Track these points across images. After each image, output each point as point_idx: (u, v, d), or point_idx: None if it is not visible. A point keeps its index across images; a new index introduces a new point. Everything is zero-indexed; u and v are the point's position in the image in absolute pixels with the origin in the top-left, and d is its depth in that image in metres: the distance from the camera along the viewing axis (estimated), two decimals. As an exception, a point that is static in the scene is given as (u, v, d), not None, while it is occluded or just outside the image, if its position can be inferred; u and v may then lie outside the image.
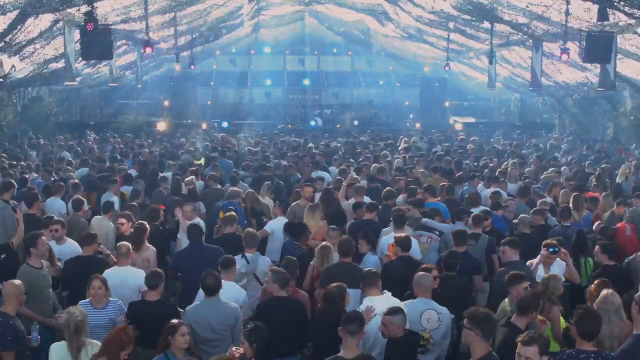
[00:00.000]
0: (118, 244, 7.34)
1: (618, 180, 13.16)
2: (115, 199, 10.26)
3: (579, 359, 4.71)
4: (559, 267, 6.99)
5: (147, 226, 8.09)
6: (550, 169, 13.38)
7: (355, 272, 6.69)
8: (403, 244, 7.32)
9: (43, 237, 6.99)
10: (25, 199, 9.55)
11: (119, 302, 6.30)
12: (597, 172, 13.20)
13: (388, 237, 8.05)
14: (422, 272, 6.17)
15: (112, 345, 4.97)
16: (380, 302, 5.81)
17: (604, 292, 5.65)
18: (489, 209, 9.42)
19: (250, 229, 8.06)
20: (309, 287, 7.30)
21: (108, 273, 7.02)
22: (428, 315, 5.82)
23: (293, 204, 9.97)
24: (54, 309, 6.84)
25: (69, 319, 5.31)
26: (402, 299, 6.22)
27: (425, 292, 5.98)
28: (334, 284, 6.01)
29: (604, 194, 10.78)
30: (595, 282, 6.16)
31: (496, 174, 12.61)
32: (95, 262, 7.32)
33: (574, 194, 10.09)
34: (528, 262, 7.17)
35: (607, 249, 7.23)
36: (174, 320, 5.35)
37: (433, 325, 5.79)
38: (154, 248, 7.97)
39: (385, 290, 6.13)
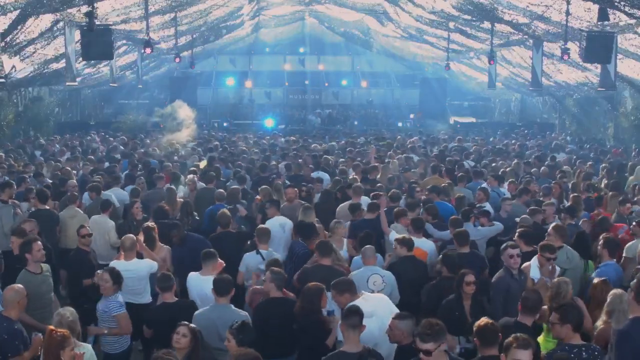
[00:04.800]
0: (122, 238, 7.33)
1: (632, 181, 13.09)
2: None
3: (572, 353, 4.77)
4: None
5: (154, 226, 8.03)
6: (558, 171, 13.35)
7: (333, 276, 6.48)
8: (407, 244, 7.35)
9: (38, 242, 6.81)
10: (37, 196, 9.65)
11: (119, 302, 6.26)
12: (602, 172, 13.19)
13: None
14: (368, 246, 7.05)
15: (48, 349, 4.85)
16: (361, 305, 5.56)
17: (618, 292, 5.58)
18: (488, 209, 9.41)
19: (263, 225, 8.03)
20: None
21: (116, 265, 7.01)
22: (373, 279, 6.68)
23: (281, 206, 9.97)
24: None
25: (60, 320, 5.30)
26: (412, 299, 6.41)
27: (370, 260, 6.89)
28: (312, 283, 5.96)
29: (610, 193, 10.75)
30: (596, 280, 6.15)
31: (500, 173, 12.62)
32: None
33: (573, 194, 10.06)
34: (524, 265, 7.15)
35: (524, 236, 7.45)
36: (182, 322, 5.30)
37: (379, 287, 6.63)
38: (168, 247, 7.97)
39: (363, 291, 6.03)
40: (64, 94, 26.35)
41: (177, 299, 6.31)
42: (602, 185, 12.05)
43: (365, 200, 9.75)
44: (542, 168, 13.46)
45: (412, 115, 31.34)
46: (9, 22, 13.99)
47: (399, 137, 21.70)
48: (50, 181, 12.05)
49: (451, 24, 21.00)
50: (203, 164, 14.64)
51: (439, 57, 28.10)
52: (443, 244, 8.38)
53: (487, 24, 19.05)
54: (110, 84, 23.86)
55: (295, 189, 10.15)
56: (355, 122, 29.86)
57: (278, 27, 31.58)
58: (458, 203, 10.10)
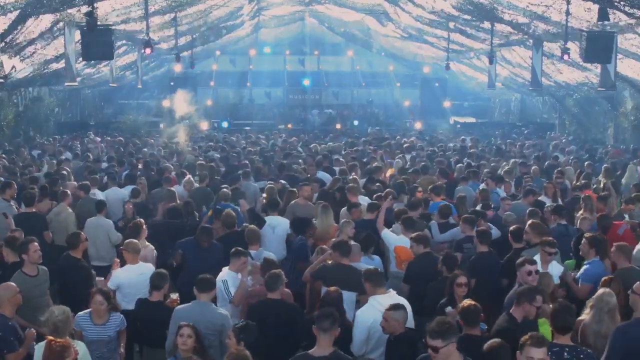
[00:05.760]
0: (126, 242, 7.30)
1: (627, 180, 13.11)
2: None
3: (552, 352, 4.73)
4: (556, 268, 6.95)
5: (142, 224, 8.05)
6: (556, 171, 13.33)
7: (352, 275, 6.63)
8: (423, 241, 7.36)
9: (35, 243, 6.76)
10: (24, 199, 9.55)
11: (121, 316, 6.12)
12: (602, 172, 13.20)
13: (398, 238, 8.01)
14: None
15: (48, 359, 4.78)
16: (386, 300, 5.77)
17: (601, 290, 5.64)
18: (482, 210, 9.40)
19: (252, 226, 8.05)
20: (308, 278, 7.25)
21: (122, 271, 7.07)
22: None
23: (292, 202, 9.97)
24: None
25: (49, 318, 5.26)
26: (424, 295, 6.40)
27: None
28: (332, 288, 6.02)
29: (603, 193, 10.76)
30: (605, 278, 6.13)
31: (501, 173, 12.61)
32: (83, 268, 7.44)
33: (583, 195, 10.00)
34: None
35: (514, 233, 7.68)
36: (183, 322, 5.31)
37: None
38: (152, 246, 7.97)
39: (390, 289, 6.13)
40: (64, 94, 26.35)
41: (159, 300, 6.25)
42: (602, 186, 12.04)
43: (367, 201, 9.78)
44: (533, 167, 13.46)
45: (411, 114, 31.35)
46: (9, 22, 14.00)
47: (397, 137, 21.79)
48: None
49: (451, 24, 21.00)
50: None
51: (439, 57, 28.10)
52: (458, 243, 8.37)
53: (487, 24, 19.05)
54: (110, 84, 23.89)
55: (310, 187, 10.19)
56: (355, 122, 29.87)
57: (278, 27, 31.59)
58: (459, 203, 10.10)
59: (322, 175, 12.69)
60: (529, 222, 7.90)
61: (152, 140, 20.24)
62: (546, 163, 15.03)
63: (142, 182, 11.48)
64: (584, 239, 7.21)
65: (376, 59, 36.32)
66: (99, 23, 11.97)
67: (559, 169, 13.60)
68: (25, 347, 5.49)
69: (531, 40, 18.54)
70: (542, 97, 28.71)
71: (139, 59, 22.83)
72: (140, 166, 14.05)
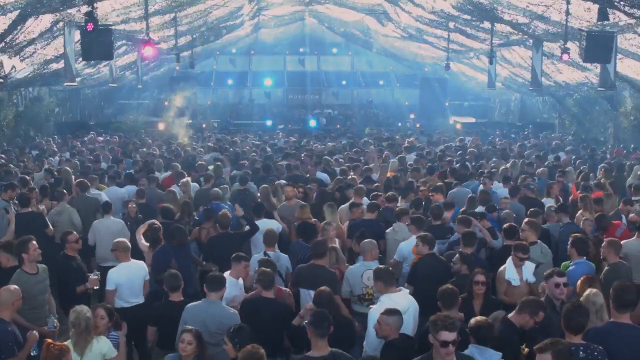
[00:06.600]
0: (115, 241, 7.26)
1: (630, 181, 13.10)
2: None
3: None
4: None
5: (160, 225, 8.12)
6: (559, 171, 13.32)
7: (323, 276, 6.62)
8: (429, 242, 7.35)
9: (34, 242, 6.76)
10: (19, 199, 9.56)
11: (118, 336, 5.80)
12: (600, 173, 13.20)
13: (410, 241, 7.96)
14: (367, 240, 7.19)
15: None
16: (399, 298, 5.79)
17: (588, 291, 5.67)
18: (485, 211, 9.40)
19: (271, 228, 8.00)
20: None
21: (116, 271, 7.06)
22: (367, 274, 6.78)
23: (280, 205, 9.95)
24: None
25: (78, 316, 5.24)
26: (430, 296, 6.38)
27: (367, 256, 7.05)
28: (322, 288, 5.94)
29: (605, 193, 10.76)
30: (582, 278, 6.16)
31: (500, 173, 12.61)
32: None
33: (582, 194, 10.00)
34: (501, 268, 7.17)
35: (507, 231, 7.79)
36: (186, 326, 5.29)
37: (373, 282, 6.56)
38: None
39: (402, 287, 6.14)
40: (64, 94, 26.36)
41: (180, 300, 6.19)
42: (601, 186, 12.04)
43: (365, 201, 9.76)
44: (541, 168, 13.46)
45: (412, 115, 31.37)
46: (9, 22, 14.00)
47: (397, 137, 21.82)
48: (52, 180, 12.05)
49: (451, 24, 20.99)
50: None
51: (439, 57, 28.08)
52: (450, 244, 8.35)
53: (487, 24, 19.05)
54: (110, 84, 23.89)
55: (294, 188, 10.16)
56: (350, 120, 29.94)
57: (278, 27, 31.58)
58: (469, 204, 10.07)
59: (321, 175, 12.71)
60: (526, 220, 7.92)
61: (151, 141, 20.25)
62: (546, 163, 15.02)
63: (144, 183, 11.50)
64: (570, 239, 7.20)
65: (376, 59, 36.30)
66: (99, 23, 11.97)
67: (563, 169, 13.59)
68: (26, 350, 5.44)
69: (531, 40, 18.53)
70: (542, 97, 28.69)
71: (139, 59, 22.83)
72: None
